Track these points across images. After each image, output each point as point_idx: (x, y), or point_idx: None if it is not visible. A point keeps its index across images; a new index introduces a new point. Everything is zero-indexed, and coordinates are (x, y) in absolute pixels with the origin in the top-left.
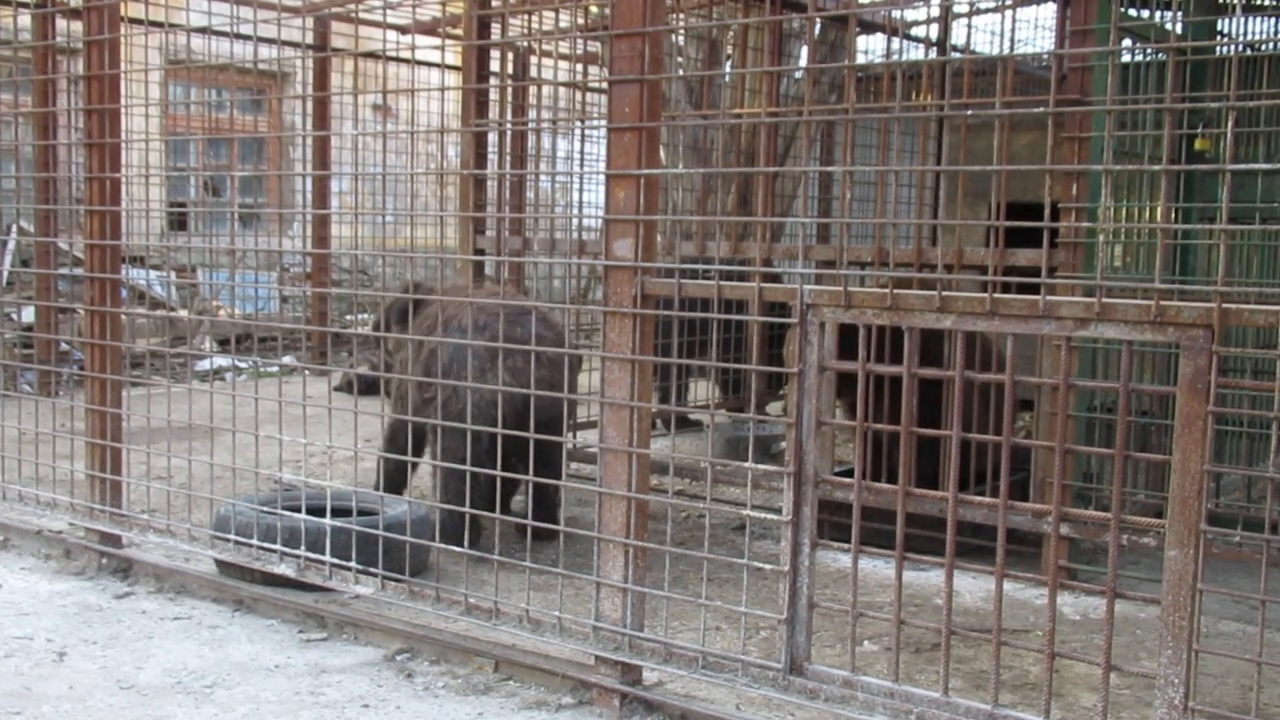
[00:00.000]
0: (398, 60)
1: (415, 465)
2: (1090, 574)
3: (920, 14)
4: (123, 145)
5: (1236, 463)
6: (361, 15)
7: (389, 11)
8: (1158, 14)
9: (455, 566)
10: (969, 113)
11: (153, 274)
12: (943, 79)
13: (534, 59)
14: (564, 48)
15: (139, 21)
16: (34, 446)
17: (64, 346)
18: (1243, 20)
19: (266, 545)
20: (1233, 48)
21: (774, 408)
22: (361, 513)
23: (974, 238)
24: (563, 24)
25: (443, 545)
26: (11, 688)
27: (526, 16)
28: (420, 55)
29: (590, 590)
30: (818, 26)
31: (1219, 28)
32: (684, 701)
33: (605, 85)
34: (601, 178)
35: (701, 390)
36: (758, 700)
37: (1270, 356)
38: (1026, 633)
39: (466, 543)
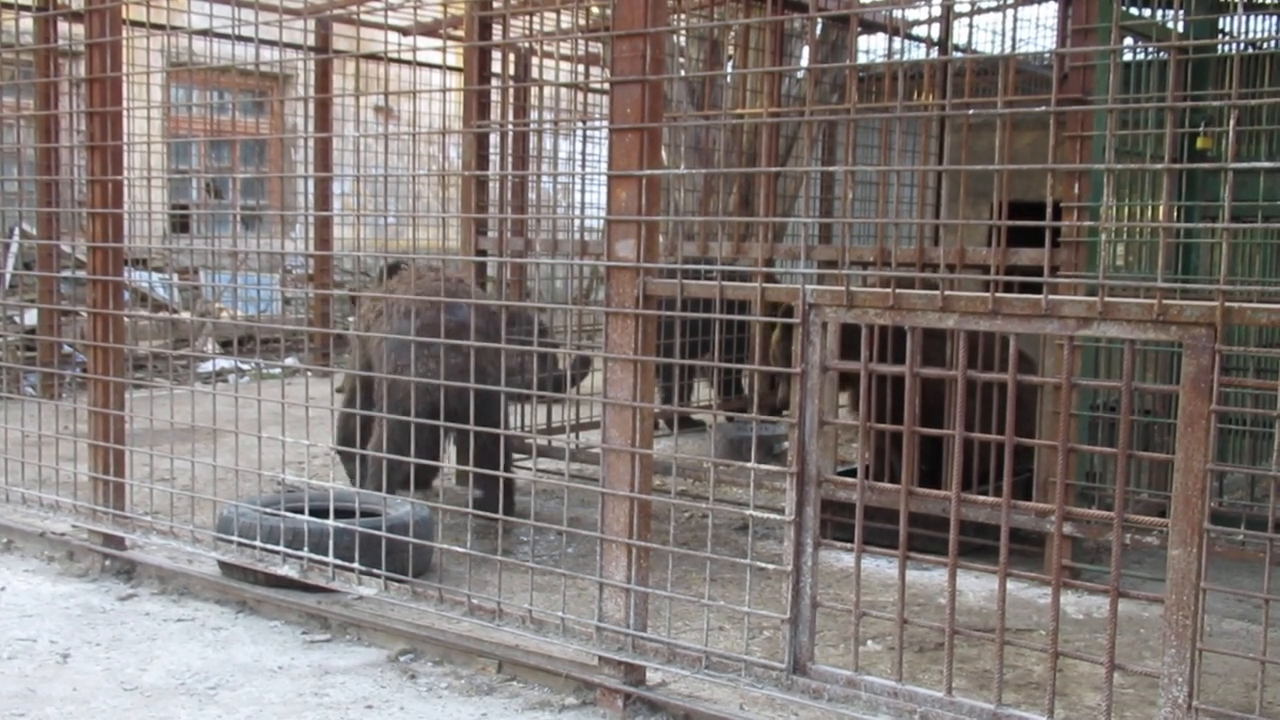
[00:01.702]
0: (399, 62)
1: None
2: (1093, 573)
3: (921, 13)
4: (125, 148)
5: (1239, 461)
6: (363, 17)
7: (390, 13)
8: (1159, 12)
9: (458, 567)
10: (971, 112)
11: (155, 276)
12: (944, 78)
13: (535, 60)
14: (565, 49)
15: (140, 24)
16: (37, 449)
17: (66, 349)
18: (1244, 18)
19: (269, 547)
20: (1234, 46)
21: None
22: (364, 514)
23: (976, 237)
24: (564, 25)
25: (445, 546)
26: (16, 689)
27: (528, 18)
28: (422, 57)
29: (593, 591)
30: (819, 26)
31: (1220, 26)
32: (687, 702)
33: (607, 86)
34: (603, 178)
35: (705, 391)
36: (761, 700)
37: (1273, 355)
38: (1030, 632)
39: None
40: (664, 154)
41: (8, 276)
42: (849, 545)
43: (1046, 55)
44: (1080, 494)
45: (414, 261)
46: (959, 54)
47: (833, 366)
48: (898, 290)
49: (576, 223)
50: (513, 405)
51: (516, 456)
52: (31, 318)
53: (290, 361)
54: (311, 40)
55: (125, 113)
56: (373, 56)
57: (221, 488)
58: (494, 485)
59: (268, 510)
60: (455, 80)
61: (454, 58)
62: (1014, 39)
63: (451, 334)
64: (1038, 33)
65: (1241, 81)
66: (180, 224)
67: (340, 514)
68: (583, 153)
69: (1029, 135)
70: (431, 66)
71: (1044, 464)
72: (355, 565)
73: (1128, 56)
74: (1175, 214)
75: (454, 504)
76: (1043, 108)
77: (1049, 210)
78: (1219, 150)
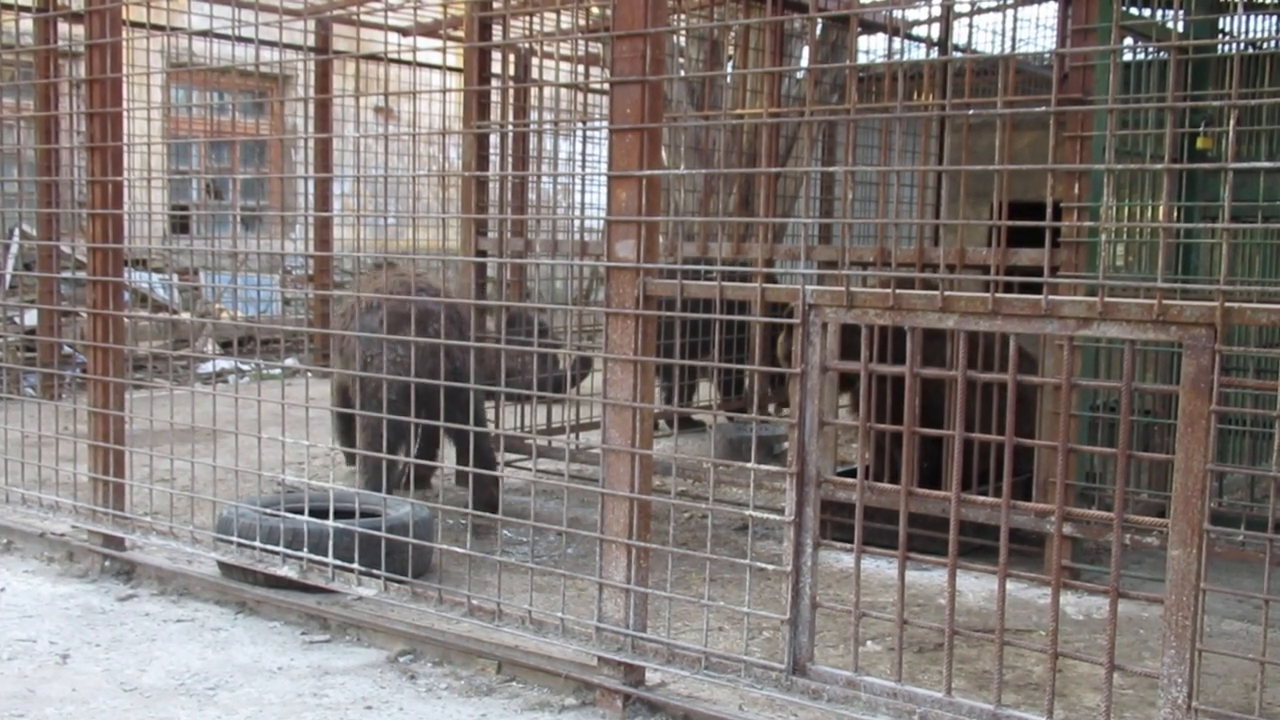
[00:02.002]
0: (399, 62)
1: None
2: (1093, 574)
3: (921, 14)
4: (125, 148)
5: (1239, 462)
6: (363, 18)
7: (390, 14)
8: (1159, 12)
9: (458, 568)
10: (971, 112)
11: (155, 277)
12: (944, 79)
13: (535, 60)
14: (565, 49)
15: (140, 25)
16: (37, 449)
17: (66, 349)
18: (1244, 18)
19: (269, 547)
20: (1234, 46)
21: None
22: (364, 514)
23: (976, 237)
24: (564, 25)
25: (445, 547)
26: (15, 690)
27: (528, 18)
28: (422, 57)
29: (593, 591)
30: (819, 27)
31: (1220, 26)
32: (687, 702)
33: (607, 86)
34: (603, 179)
35: (707, 390)
36: (761, 701)
37: (1273, 355)
38: (1029, 633)
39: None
40: (664, 154)
41: (8, 277)
42: (849, 546)
43: (1046, 55)
44: (1080, 494)
45: (413, 262)
46: (959, 54)
47: (833, 367)
48: (898, 290)
49: (576, 223)
50: (508, 404)
51: (513, 456)
52: (31, 318)
53: (290, 362)
54: (311, 41)
55: (125, 113)
56: (373, 57)
57: (221, 488)
58: (475, 475)
59: (267, 511)
60: (455, 81)
61: (454, 58)
62: (1014, 39)
63: (417, 322)
64: (1038, 33)
65: (1241, 81)
66: (180, 225)
67: (340, 514)
68: (583, 153)
69: (1029, 135)
70: (431, 67)
71: (1044, 464)
72: (355, 566)
73: (1128, 56)
74: (1175, 214)
75: (453, 504)
76: (1043, 108)
77: (1049, 210)
78: (1219, 150)
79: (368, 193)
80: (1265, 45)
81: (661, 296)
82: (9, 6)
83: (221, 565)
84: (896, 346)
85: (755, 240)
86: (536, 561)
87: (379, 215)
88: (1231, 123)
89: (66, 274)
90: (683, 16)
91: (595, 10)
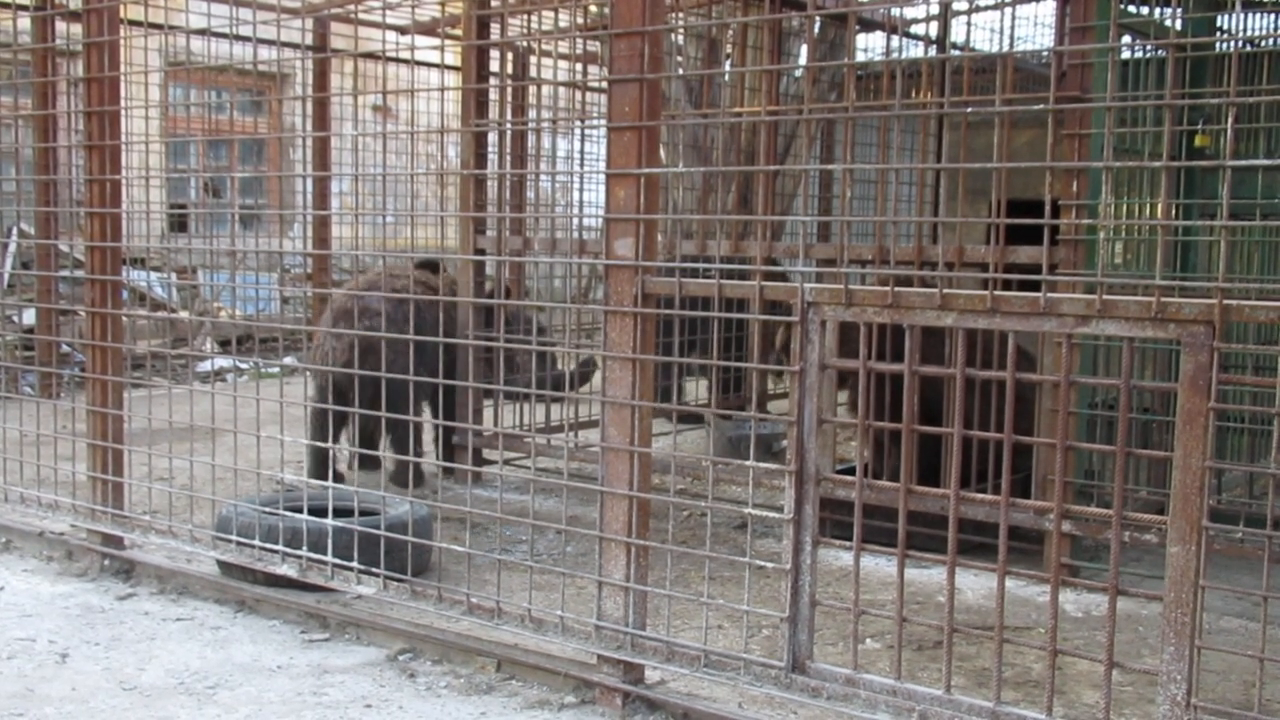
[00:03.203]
0: (397, 61)
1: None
2: (1092, 571)
3: (920, 12)
4: (123, 147)
5: (1238, 459)
6: (361, 16)
7: (388, 12)
8: (1157, 10)
9: (457, 566)
10: (969, 110)
11: (153, 275)
12: (942, 77)
13: (533, 59)
14: (564, 47)
15: (138, 23)
16: (35, 448)
17: (65, 348)
18: (1242, 16)
19: (268, 546)
20: (1232, 43)
21: (774, 405)
22: (363, 513)
23: (975, 235)
24: (562, 23)
25: (444, 545)
26: (14, 689)
27: (526, 16)
28: (420, 56)
29: (592, 589)
30: (817, 25)
31: (1218, 24)
32: (686, 700)
33: (605, 85)
34: (602, 177)
35: (702, 388)
36: (760, 699)
37: (1271, 353)
38: (1029, 630)
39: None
40: (662, 152)
41: (6, 276)
42: (848, 543)
43: (1045, 53)
44: (1079, 492)
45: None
46: (957, 52)
47: (831, 364)
48: (896, 288)
49: (575, 221)
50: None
51: (512, 455)
52: (30, 317)
53: (289, 361)
54: (309, 39)
55: (123, 112)
56: (371, 55)
57: (220, 487)
58: (402, 462)
59: (266, 509)
60: (453, 79)
61: (452, 56)
62: (1012, 37)
63: (362, 315)
64: (1036, 30)
65: (1239, 79)
66: (178, 223)
67: (339, 513)
68: (581, 151)
69: (1027, 133)
70: (429, 65)
71: (1043, 462)
72: (354, 564)
73: (1126, 54)
74: (1173, 212)
75: (450, 502)
76: (1041, 106)
77: (1047, 208)
78: (1217, 148)
79: (366, 191)
80: (1263, 43)
81: (660, 294)
82: (7, 5)
83: (221, 564)
84: (895, 344)
85: (754, 238)
86: (536, 560)
87: (377, 214)
88: (1229, 120)
89: (65, 273)
90: (681, 14)
91: (593, 8)
